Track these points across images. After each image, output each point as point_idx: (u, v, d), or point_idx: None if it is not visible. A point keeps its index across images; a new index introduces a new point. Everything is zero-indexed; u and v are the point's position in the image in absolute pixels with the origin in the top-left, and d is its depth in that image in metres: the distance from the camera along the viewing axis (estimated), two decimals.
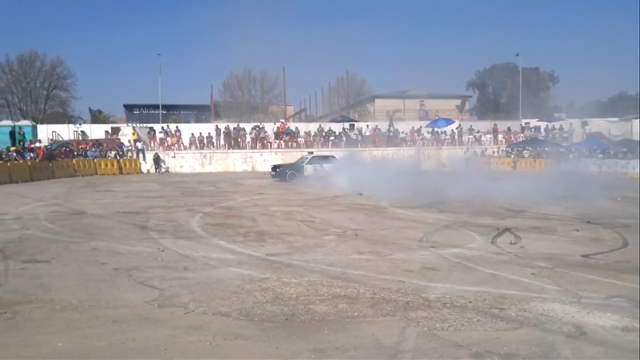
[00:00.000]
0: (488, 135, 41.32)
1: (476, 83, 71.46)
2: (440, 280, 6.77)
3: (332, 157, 26.87)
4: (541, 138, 39.60)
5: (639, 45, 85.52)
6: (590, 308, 5.59)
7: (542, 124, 42.45)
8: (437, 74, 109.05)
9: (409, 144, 40.16)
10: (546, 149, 35.22)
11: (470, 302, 5.82)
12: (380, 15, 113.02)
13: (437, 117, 44.64)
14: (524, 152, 35.95)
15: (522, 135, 41.00)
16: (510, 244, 9.30)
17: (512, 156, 35.34)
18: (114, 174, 32.69)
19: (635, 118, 41.65)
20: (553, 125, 42.29)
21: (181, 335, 4.84)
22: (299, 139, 39.08)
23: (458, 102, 58.34)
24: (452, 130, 40.92)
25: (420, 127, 41.85)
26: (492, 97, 66.49)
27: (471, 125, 42.53)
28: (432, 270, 7.36)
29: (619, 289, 6.40)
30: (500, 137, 40.84)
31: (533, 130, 41.56)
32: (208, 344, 4.63)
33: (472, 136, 41.10)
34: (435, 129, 41.01)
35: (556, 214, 13.15)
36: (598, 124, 41.92)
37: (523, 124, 42.67)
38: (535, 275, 7.05)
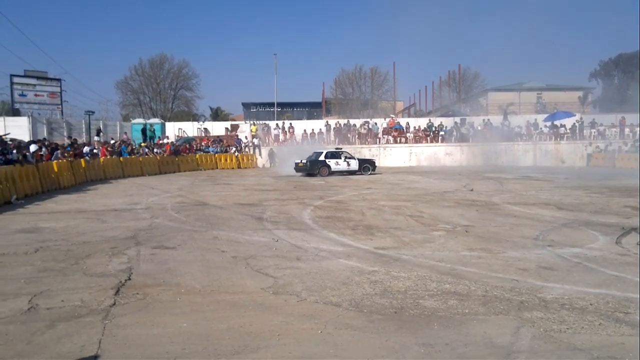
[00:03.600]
0: (613, 129, 38.11)
1: (600, 74, 66.37)
2: (558, 281, 6.45)
3: (345, 151, 28.28)
4: None
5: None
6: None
7: None
8: (556, 66, 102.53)
9: (524, 138, 38.19)
10: None
11: (591, 304, 5.51)
12: (493, 4, 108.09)
13: (555, 110, 41.97)
14: None
15: None
16: (637, 244, 8.60)
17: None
18: (232, 168, 34.54)
19: None
20: None
21: (294, 322, 5.04)
22: (408, 134, 38.67)
23: (580, 94, 54.45)
24: (573, 123, 38.26)
25: (536, 120, 39.60)
26: (618, 89, 61.24)
27: (594, 119, 39.48)
28: (548, 269, 7.03)
29: None
30: (627, 130, 37.49)
31: None
32: (319, 332, 4.78)
33: (595, 130, 38.17)
34: (554, 123, 38.59)
35: None
36: None
37: None
38: None
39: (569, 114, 39.67)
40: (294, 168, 26.58)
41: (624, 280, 6.45)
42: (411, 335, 4.72)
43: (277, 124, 39.57)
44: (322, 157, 26.74)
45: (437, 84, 60.49)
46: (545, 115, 40.70)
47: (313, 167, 26.14)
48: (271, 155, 35.75)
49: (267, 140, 38.21)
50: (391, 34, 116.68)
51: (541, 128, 39.02)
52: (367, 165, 27.51)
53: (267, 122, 40.40)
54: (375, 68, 61.52)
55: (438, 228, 10.33)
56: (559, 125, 38.52)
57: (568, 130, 38.24)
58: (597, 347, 4.41)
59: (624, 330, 4.79)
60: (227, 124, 43.66)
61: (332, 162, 26.60)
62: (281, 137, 38.23)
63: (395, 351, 4.40)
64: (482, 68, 60.04)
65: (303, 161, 26.62)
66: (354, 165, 27.09)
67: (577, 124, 38.20)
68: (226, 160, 35.23)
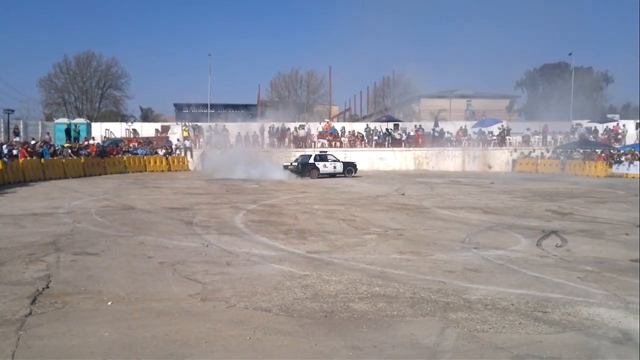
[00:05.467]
0: (537, 136, 40.19)
1: (526, 83, 69.84)
2: (482, 282, 6.68)
3: (331, 154, 30.01)
4: (592, 139, 38.23)
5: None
6: (638, 314, 5.40)
7: (595, 125, 40.98)
8: (485, 74, 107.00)
9: (454, 144, 39.55)
10: (597, 150, 33.98)
11: (512, 304, 5.72)
12: (427, 15, 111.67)
13: (484, 117, 43.74)
14: (574, 153, 34.79)
15: (572, 136, 39.65)
16: (556, 247, 9.06)
17: (561, 158, 34.28)
18: (162, 170, 33.57)
19: None
20: (607, 127, 40.79)
21: (222, 329, 4.94)
22: (343, 139, 39.09)
23: (506, 102, 57.04)
24: (499, 130, 40.02)
25: (466, 126, 41.13)
26: (542, 97, 64.71)
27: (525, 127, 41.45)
28: (474, 271, 7.26)
29: None
30: (549, 138, 39.64)
31: (584, 131, 40.12)
32: (248, 338, 4.71)
33: (520, 137, 40.08)
34: (482, 129, 40.20)
35: (605, 217, 12.71)
36: None
37: (574, 125, 41.27)
38: (581, 279, 6.85)
39: (497, 121, 41.46)
40: (284, 168, 27.90)
41: (543, 281, 6.75)
42: (340, 338, 4.73)
43: (210, 126, 38.85)
44: (311, 160, 28.06)
45: (372, 89, 61.56)
46: (474, 122, 42.33)
47: (304, 169, 27.38)
48: (203, 157, 35.07)
49: (199, 143, 37.48)
50: (328, 39, 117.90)
51: (470, 134, 40.51)
52: (350, 168, 29.01)
53: (200, 123, 39.58)
54: (312, 72, 61.96)
55: (370, 232, 10.46)
56: (486, 132, 40.15)
57: (495, 137, 39.92)
58: (517, 345, 4.58)
59: (542, 328, 5.00)
60: (158, 125, 42.47)
61: (320, 165, 27.93)
62: (214, 139, 37.58)
63: (324, 355, 4.40)
64: (415, 75, 61.58)
65: (293, 163, 28.02)
66: (339, 167, 28.48)
67: (504, 130, 39.91)
68: (156, 162, 34.23)
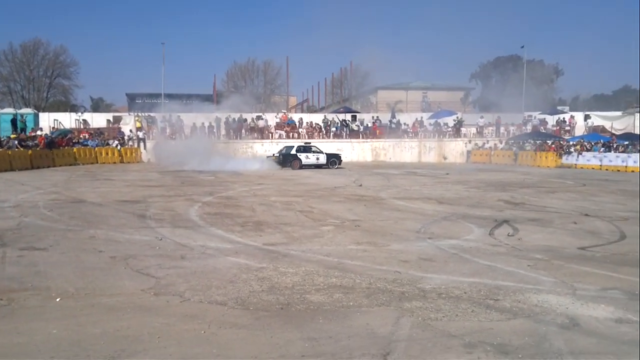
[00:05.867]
0: (490, 128, 41.18)
1: (480, 75, 71.29)
2: (436, 271, 6.79)
3: (314, 145, 30.38)
4: (543, 131, 39.45)
5: (639, 42, 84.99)
6: (584, 300, 5.60)
7: (546, 117, 42.29)
8: (440, 66, 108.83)
9: (410, 135, 40.07)
10: (547, 142, 35.11)
11: (465, 292, 5.83)
12: (385, 6, 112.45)
13: (439, 109, 44.48)
14: (526, 145, 35.84)
15: (524, 127, 40.80)
16: (508, 236, 9.31)
17: (514, 149, 35.25)
18: (114, 162, 32.68)
19: (638, 112, 41.49)
20: (561, 118, 42.12)
21: (176, 323, 4.86)
22: (301, 130, 39.02)
23: (461, 94, 58.12)
24: (454, 122, 40.79)
25: (422, 118, 41.73)
26: (496, 90, 66.29)
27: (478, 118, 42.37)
28: (428, 261, 7.37)
29: (614, 281, 6.40)
30: (502, 129, 40.68)
31: (537, 122, 41.36)
32: (202, 332, 4.65)
33: (474, 128, 40.97)
34: (437, 121, 40.88)
35: (555, 207, 13.14)
36: (601, 118, 41.79)
37: (526, 117, 42.48)
38: (531, 267, 7.06)
39: (452, 113, 42.24)
40: (267, 158, 28.32)
41: (495, 269, 6.92)
42: (296, 330, 4.72)
43: (164, 116, 38.00)
44: (293, 151, 28.24)
45: (329, 80, 61.60)
46: (430, 114, 42.99)
47: (285, 160, 27.69)
48: (157, 149, 34.31)
49: (153, 133, 36.63)
50: (285, 30, 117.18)
51: (426, 126, 41.13)
52: (334, 160, 29.09)
53: (153, 114, 38.66)
54: (269, 62, 61.44)
55: (327, 223, 10.48)
56: (442, 124, 40.85)
57: (450, 128, 40.67)
58: (469, 332, 4.67)
59: (493, 315, 5.12)
60: (110, 116, 41.29)
61: (302, 156, 28.16)
62: (168, 130, 36.83)
63: (280, 347, 4.38)
64: (371, 66, 61.98)
65: (275, 154, 28.39)
66: (322, 159, 28.59)
67: (458, 122, 40.69)
68: (107, 154, 33.27)
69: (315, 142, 36.69)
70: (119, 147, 34.28)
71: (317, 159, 28.57)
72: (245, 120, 38.45)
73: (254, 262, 7.14)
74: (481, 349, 4.33)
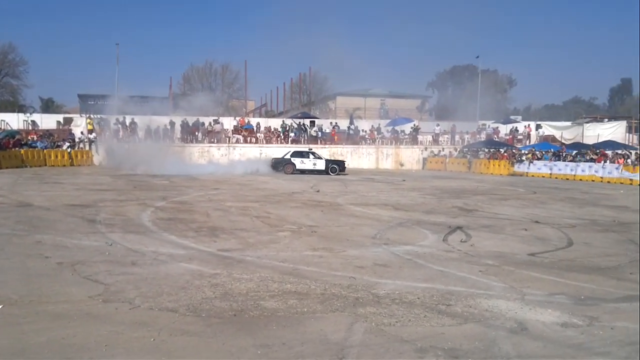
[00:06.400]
0: (446, 136, 42.01)
1: (436, 84, 72.79)
2: (391, 277, 6.85)
3: (313, 151, 30.33)
4: (496, 139, 40.53)
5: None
6: (532, 304, 5.75)
7: (499, 126, 43.48)
8: (398, 74, 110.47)
9: (368, 141, 40.44)
10: (500, 150, 36.07)
11: (418, 298, 5.90)
12: (345, 14, 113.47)
13: (397, 116, 45.08)
14: (480, 153, 36.72)
15: (478, 136, 41.82)
16: (461, 242, 9.49)
17: (468, 157, 36.06)
18: (64, 165, 31.56)
19: (587, 122, 43.20)
20: (515, 127, 43.37)
21: (125, 331, 4.74)
22: (259, 134, 38.80)
23: (418, 102, 59.09)
24: (411, 129, 41.43)
25: (379, 125, 42.20)
26: (452, 98, 67.75)
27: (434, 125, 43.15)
28: (383, 267, 7.43)
29: (561, 286, 6.61)
30: (457, 137, 41.57)
31: (490, 131, 42.46)
32: (152, 340, 4.54)
33: (430, 136, 41.70)
34: (395, 128, 41.43)
35: (506, 214, 13.49)
36: (551, 127, 43.28)
37: (480, 126, 43.56)
38: (483, 272, 7.21)
39: (409, 120, 42.87)
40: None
41: (447, 275, 7.03)
42: (249, 337, 4.67)
43: (117, 119, 37.04)
44: (287, 155, 28.24)
45: (288, 85, 61.55)
46: (388, 121, 43.51)
47: (277, 164, 27.72)
48: (109, 152, 33.39)
49: (105, 136, 35.62)
50: (244, 34, 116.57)
51: (383, 133, 41.60)
52: (334, 166, 28.50)
53: (106, 116, 37.59)
54: (227, 65, 60.82)
55: (284, 229, 10.43)
56: (399, 131, 41.41)
57: (407, 136, 41.27)
58: (421, 338, 4.72)
59: (445, 321, 5.19)
60: (60, 117, 39.93)
61: (297, 160, 27.90)
62: (121, 132, 35.92)
63: (232, 354, 4.32)
64: (330, 72, 62.39)
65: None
66: (320, 165, 28.18)
67: (414, 130, 41.34)
68: (57, 156, 32.10)
69: (273, 147, 36.63)
70: (69, 149, 33.15)
71: (314, 164, 28.27)
72: (203, 124, 37.93)
73: (208, 269, 7.02)
74: (432, 353, 4.38)
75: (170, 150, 32.29)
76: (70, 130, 35.83)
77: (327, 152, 38.42)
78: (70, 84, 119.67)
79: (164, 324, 4.93)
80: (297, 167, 27.97)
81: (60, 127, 36.75)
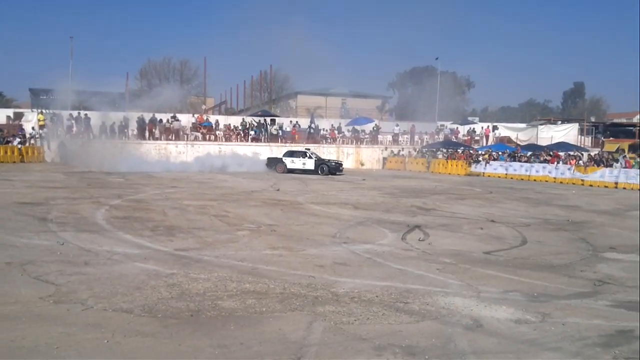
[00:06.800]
0: (405, 136, 42.53)
1: (397, 84, 73.57)
2: (350, 276, 6.87)
3: (308, 150, 30.71)
4: (454, 140, 41.29)
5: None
6: (488, 302, 5.88)
7: (457, 127, 44.31)
8: (359, 74, 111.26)
9: (329, 141, 40.54)
10: (459, 150, 36.77)
11: (377, 296, 5.94)
12: (306, 13, 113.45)
13: (357, 116, 45.34)
14: (438, 153, 37.32)
15: (437, 136, 42.50)
16: (419, 240, 9.61)
17: (427, 157, 36.60)
18: (14, 162, 30.37)
19: (541, 124, 44.54)
20: (472, 128, 44.27)
21: (77, 332, 4.62)
22: (218, 132, 38.34)
23: (379, 102, 59.61)
24: (372, 129, 41.76)
25: (340, 124, 42.37)
26: (411, 99, 68.64)
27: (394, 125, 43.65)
28: (342, 265, 7.45)
29: (515, 283, 6.78)
30: (416, 137, 42.14)
31: (449, 132, 43.22)
32: (106, 341, 4.44)
33: (390, 136, 42.13)
34: (355, 127, 41.67)
35: (464, 213, 13.75)
36: (507, 129, 44.42)
37: (439, 126, 44.28)
38: (440, 270, 7.32)
39: (369, 120, 43.20)
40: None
41: (406, 273, 7.12)
42: (206, 337, 4.61)
43: (70, 114, 35.90)
44: (280, 155, 29.12)
45: (249, 83, 61.08)
46: (348, 120, 43.72)
47: (270, 163, 28.80)
48: (62, 148, 32.33)
49: (58, 132, 34.47)
50: (204, 30, 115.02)
51: (344, 132, 41.79)
52: (322, 166, 28.28)
53: (60, 111, 36.37)
54: (185, 61, 59.88)
55: (243, 228, 10.34)
56: (359, 130, 41.67)
57: (367, 135, 41.58)
58: (379, 335, 4.75)
59: (402, 318, 5.25)
60: (10, 112, 38.46)
61: (288, 160, 28.40)
62: (75, 128, 34.82)
63: (188, 355, 4.27)
64: (291, 71, 62.23)
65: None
66: (310, 164, 28.20)
67: (374, 130, 41.71)
68: (6, 152, 30.82)
69: (233, 145, 36.26)
70: (19, 145, 31.95)
71: (304, 164, 28.31)
72: (160, 120, 37.18)
73: (164, 268, 6.89)
74: (390, 351, 4.41)
75: (126, 147, 31.51)
76: (21, 125, 34.50)
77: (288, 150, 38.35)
78: (21, 77, 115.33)
79: (118, 325, 4.83)
80: (288, 166, 28.37)
81: (10, 122, 35.38)
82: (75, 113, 35.62)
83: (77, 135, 34.00)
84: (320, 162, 28.76)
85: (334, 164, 29.30)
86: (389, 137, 42.04)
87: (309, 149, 31.35)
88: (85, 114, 35.17)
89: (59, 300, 5.47)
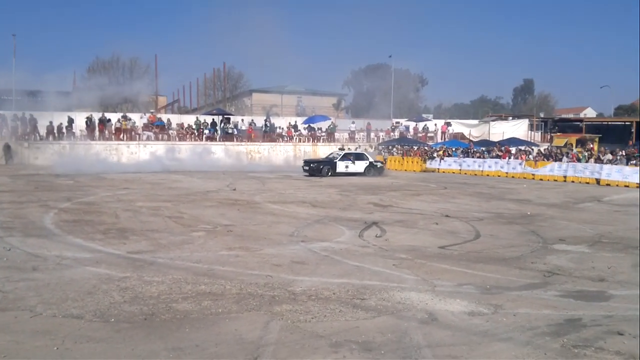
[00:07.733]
0: (361, 133, 42.87)
1: (352, 82, 73.95)
2: (308, 274, 6.88)
3: (363, 154, 29.27)
4: (410, 137, 41.89)
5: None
6: (442, 295, 6.00)
7: (411, 124, 44.97)
8: (315, 72, 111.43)
9: (285, 139, 40.45)
10: (414, 147, 37.34)
11: (334, 293, 5.97)
12: (260, 8, 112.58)
13: (313, 114, 45.40)
14: (394, 150, 37.80)
15: (392, 133, 43.01)
16: (376, 237, 9.72)
17: (383, 154, 37.00)
18: None
19: (493, 120, 45.72)
20: (426, 125, 44.99)
21: (25, 340, 4.49)
22: (171, 131, 37.65)
23: (334, 99, 59.84)
24: (328, 127, 41.90)
25: (296, 122, 42.34)
26: (366, 96, 69.16)
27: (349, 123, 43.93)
28: (300, 264, 7.45)
29: (469, 277, 6.94)
30: (372, 135, 42.54)
31: (404, 129, 43.80)
32: (56, 348, 4.33)
33: (346, 133, 42.40)
34: (312, 125, 41.73)
35: (419, 209, 13.97)
36: (460, 125, 45.39)
37: (394, 123, 44.82)
38: (396, 266, 7.42)
39: (325, 118, 43.32)
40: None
41: (363, 270, 7.18)
42: (160, 341, 4.54)
43: (15, 114, 34.49)
44: (336, 159, 27.57)
45: (202, 80, 60.21)
46: (304, 118, 43.74)
47: (315, 168, 27.00)
48: (7, 150, 31.04)
49: (1, 133, 33.04)
50: (155, 27, 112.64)
51: (300, 130, 41.78)
52: (370, 168, 27.45)
53: (2, 111, 34.90)
54: (135, 59, 58.44)
55: (198, 229, 10.19)
56: (316, 128, 41.75)
57: (324, 133, 41.71)
58: (336, 332, 4.78)
59: (359, 314, 5.29)
60: None
61: (341, 164, 27.12)
62: (20, 129, 33.48)
63: (142, 359, 4.19)
64: (246, 68, 61.72)
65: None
66: (360, 167, 27.28)
67: (331, 127, 41.87)
68: None
69: (187, 144, 35.72)
70: None
71: (355, 166, 27.26)
72: (109, 120, 36.18)
73: (116, 272, 6.74)
74: (347, 347, 4.44)
75: (74, 148, 30.58)
76: None
77: (244, 149, 38.06)
78: None
79: (68, 331, 4.70)
80: (338, 170, 26.95)
81: None
82: (20, 113, 34.21)
83: (22, 136, 32.73)
84: (369, 165, 27.94)
85: (379, 165, 28.85)
86: (346, 135, 42.28)
87: (342, 149, 30.57)
88: (31, 114, 33.84)
89: (5, 307, 5.29)
